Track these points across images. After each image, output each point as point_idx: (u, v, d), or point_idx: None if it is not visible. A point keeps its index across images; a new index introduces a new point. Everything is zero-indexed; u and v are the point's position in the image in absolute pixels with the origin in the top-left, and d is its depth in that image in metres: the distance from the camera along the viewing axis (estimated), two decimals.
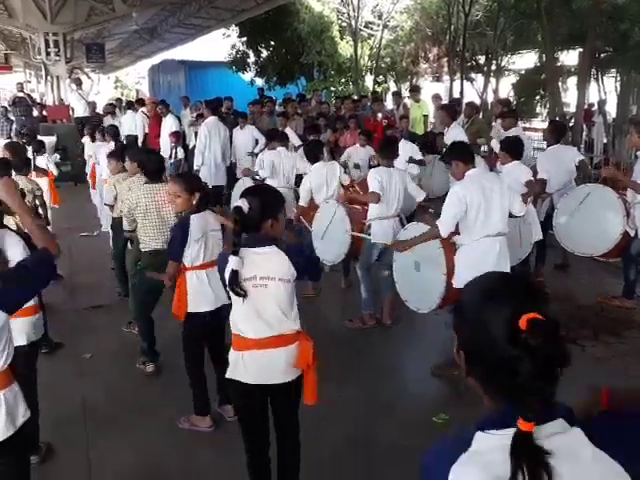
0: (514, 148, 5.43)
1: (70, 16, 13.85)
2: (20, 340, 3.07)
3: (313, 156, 5.95)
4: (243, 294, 2.56)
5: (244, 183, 8.40)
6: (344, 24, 21.78)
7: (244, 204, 2.55)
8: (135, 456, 3.54)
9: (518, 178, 5.15)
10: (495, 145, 6.39)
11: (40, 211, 5.93)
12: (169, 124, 10.95)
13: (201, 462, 3.48)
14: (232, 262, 2.51)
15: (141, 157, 4.96)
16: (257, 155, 8.08)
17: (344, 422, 3.81)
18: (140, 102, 14.03)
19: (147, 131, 12.44)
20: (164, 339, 4.67)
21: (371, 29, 22.54)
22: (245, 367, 2.63)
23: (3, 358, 2.22)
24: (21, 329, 3.13)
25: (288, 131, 8.90)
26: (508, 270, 4.30)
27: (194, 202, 3.67)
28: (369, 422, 3.84)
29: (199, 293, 3.68)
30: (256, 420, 2.73)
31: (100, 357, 4.82)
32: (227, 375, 2.69)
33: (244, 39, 20.79)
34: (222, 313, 3.62)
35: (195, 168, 8.88)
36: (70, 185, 11.60)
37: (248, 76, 21.66)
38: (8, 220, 3.50)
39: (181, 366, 3.88)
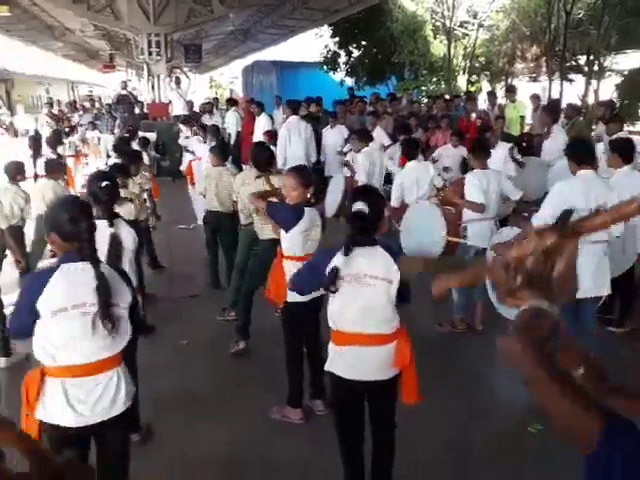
0: (627, 150, 4.91)
1: (171, 17, 14.47)
2: None
3: (409, 154, 5.90)
4: (334, 290, 2.60)
5: (336, 181, 8.50)
6: (438, 23, 21.45)
7: (364, 207, 2.57)
8: (227, 441, 3.65)
9: (633, 189, 4.25)
10: (600, 149, 6.06)
11: (148, 204, 6.27)
12: (262, 123, 11.20)
13: (291, 452, 3.54)
14: (338, 260, 2.54)
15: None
16: (346, 154, 8.14)
17: (438, 426, 3.76)
18: (232, 102, 14.46)
19: (240, 129, 12.82)
20: (262, 330, 4.80)
21: (465, 28, 22.06)
22: (343, 362, 2.66)
23: (126, 337, 2.40)
24: None
25: (378, 130, 8.88)
26: (608, 282, 4.08)
27: (308, 196, 3.75)
28: (464, 428, 3.78)
29: None
30: (350, 413, 2.76)
31: (196, 344, 5.00)
32: (325, 367, 2.73)
33: (336, 39, 20.94)
34: (316, 306, 3.68)
35: (279, 167, 9.04)
36: (168, 180, 12.08)
37: (338, 76, 21.79)
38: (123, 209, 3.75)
39: (275, 357, 3.97)
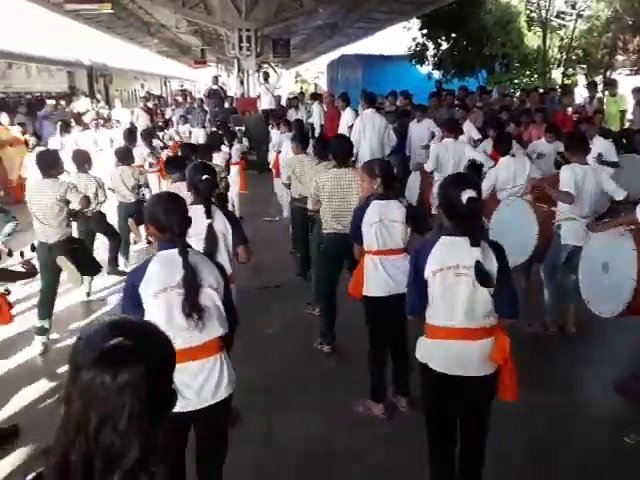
0: None
1: (262, 13, 14.70)
2: None
3: (504, 148, 5.70)
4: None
5: (414, 178, 8.37)
6: (533, 14, 20.62)
7: (474, 194, 2.50)
8: (308, 432, 3.67)
9: None
10: None
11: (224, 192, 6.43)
12: (347, 117, 11.18)
13: (372, 447, 3.52)
14: (475, 252, 2.48)
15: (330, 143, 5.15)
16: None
17: (523, 431, 3.62)
18: (316, 96, 14.53)
19: (323, 123, 12.89)
20: (345, 322, 4.80)
21: (562, 19, 21.08)
22: (439, 356, 2.60)
23: (224, 323, 2.48)
24: None
25: (467, 124, 8.66)
26: None
27: (375, 187, 3.71)
28: (552, 434, 3.62)
29: (372, 278, 3.74)
30: (443, 410, 2.68)
31: (280, 333, 5.07)
32: (420, 359, 2.66)
33: (424, 31, 20.58)
34: (400, 300, 3.62)
35: (352, 159, 9.03)
36: (254, 173, 12.31)
37: (425, 69, 21.43)
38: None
39: (359, 350, 3.95)
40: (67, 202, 4.95)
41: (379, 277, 3.71)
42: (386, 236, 3.70)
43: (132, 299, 2.36)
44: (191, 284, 2.35)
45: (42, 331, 5.03)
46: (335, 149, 4.77)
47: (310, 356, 4.71)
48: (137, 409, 1.08)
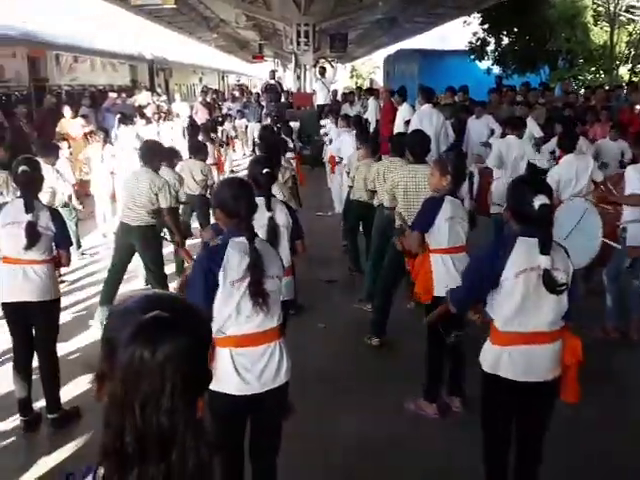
0: None
1: (320, 7, 14.70)
2: None
3: (569, 145, 5.53)
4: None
5: (475, 174, 8.21)
6: (600, 8, 19.87)
7: (546, 200, 2.46)
8: (358, 429, 3.67)
9: None
10: None
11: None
12: (404, 112, 11.08)
13: (423, 446, 3.50)
14: (544, 261, 2.43)
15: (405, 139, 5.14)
16: (490, 145, 7.85)
17: (579, 438, 3.53)
18: (371, 91, 14.43)
19: (379, 118, 12.79)
20: (399, 320, 4.77)
21: (632, 14, 20.22)
22: (510, 363, 2.54)
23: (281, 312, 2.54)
24: None
25: (529, 121, 8.42)
26: None
27: (445, 184, 3.65)
28: (608, 443, 3.51)
29: (442, 277, 3.65)
30: (504, 414, 2.63)
31: (332, 329, 5.09)
32: (487, 369, 2.62)
33: (486, 26, 20.15)
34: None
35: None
36: (308, 168, 12.36)
37: (485, 64, 20.99)
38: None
39: (412, 348, 3.91)
40: (157, 195, 5.14)
41: (452, 277, 3.59)
42: (455, 234, 3.65)
43: (207, 284, 2.39)
44: (258, 270, 2.39)
45: (103, 315, 5.23)
46: (412, 145, 4.73)
47: (360, 353, 4.70)
48: (179, 385, 1.04)
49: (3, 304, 3.77)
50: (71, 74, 14.85)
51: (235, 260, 2.40)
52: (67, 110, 10.48)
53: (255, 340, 2.45)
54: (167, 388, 1.04)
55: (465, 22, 21.44)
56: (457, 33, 25.35)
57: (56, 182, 6.04)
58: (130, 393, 1.05)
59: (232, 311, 2.39)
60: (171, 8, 12.94)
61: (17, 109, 10.77)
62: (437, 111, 9.05)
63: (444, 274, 3.64)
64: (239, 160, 15.79)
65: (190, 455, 1.05)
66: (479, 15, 20.24)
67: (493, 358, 2.59)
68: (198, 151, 7.06)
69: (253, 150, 15.76)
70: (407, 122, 10.43)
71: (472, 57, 20.89)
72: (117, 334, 1.09)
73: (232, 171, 13.42)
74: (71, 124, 10.48)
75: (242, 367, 2.43)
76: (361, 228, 6.49)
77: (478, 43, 20.77)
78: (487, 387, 2.70)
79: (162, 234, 5.59)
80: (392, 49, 29.57)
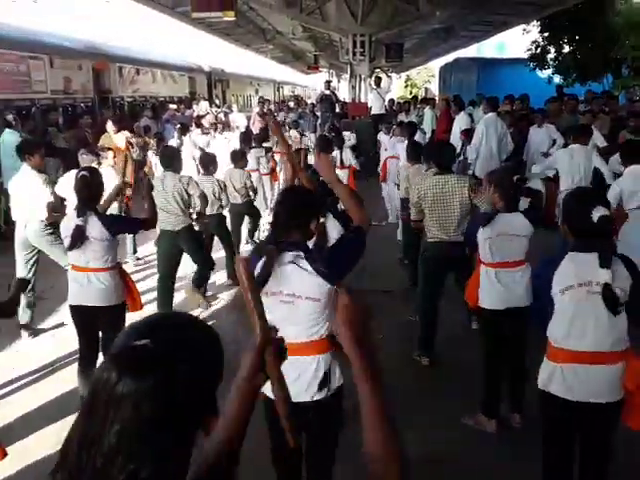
0: None
1: (377, 18, 14.69)
2: None
3: (629, 157, 5.33)
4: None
5: (534, 185, 8.03)
6: None
7: (605, 212, 2.38)
8: (417, 443, 3.60)
9: None
10: None
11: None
12: (461, 121, 10.94)
13: (481, 462, 3.40)
14: (604, 275, 2.35)
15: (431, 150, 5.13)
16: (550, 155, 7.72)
17: None
18: (428, 100, 14.29)
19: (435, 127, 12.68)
20: (454, 333, 4.69)
21: None
22: (563, 380, 2.46)
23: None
24: None
25: (593, 130, 8.19)
26: None
27: (496, 199, 3.59)
28: None
29: (487, 290, 3.64)
30: (562, 436, 2.53)
31: (387, 340, 5.03)
32: (540, 385, 2.54)
33: (546, 34, 19.69)
34: (520, 318, 3.48)
35: (469, 161, 8.87)
36: (362, 178, 12.32)
37: (545, 73, 20.52)
38: None
39: (469, 361, 3.83)
40: (188, 195, 5.28)
41: (494, 290, 3.60)
42: (503, 249, 3.57)
43: None
44: (274, 286, 2.39)
45: None
46: (437, 155, 4.68)
47: (415, 365, 4.64)
48: (134, 429, 0.92)
49: (71, 307, 3.91)
50: (133, 86, 15.36)
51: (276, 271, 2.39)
52: (110, 125, 9.40)
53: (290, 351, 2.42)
54: (114, 428, 0.92)
55: (524, 30, 21.02)
56: (515, 41, 24.89)
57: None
58: (82, 416, 0.97)
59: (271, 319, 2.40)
60: (230, 21, 13.20)
61: (82, 120, 11.22)
62: (500, 120, 9.04)
63: (488, 287, 3.62)
64: None
65: None
66: (538, 23, 19.80)
67: (547, 374, 2.53)
68: (238, 159, 7.21)
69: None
70: (463, 131, 10.32)
71: (532, 66, 20.46)
72: (110, 351, 1.03)
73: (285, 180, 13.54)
74: (115, 139, 9.61)
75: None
76: (399, 236, 6.41)
77: (538, 51, 20.31)
78: (542, 403, 2.63)
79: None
80: (448, 58, 29.32)
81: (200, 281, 5.93)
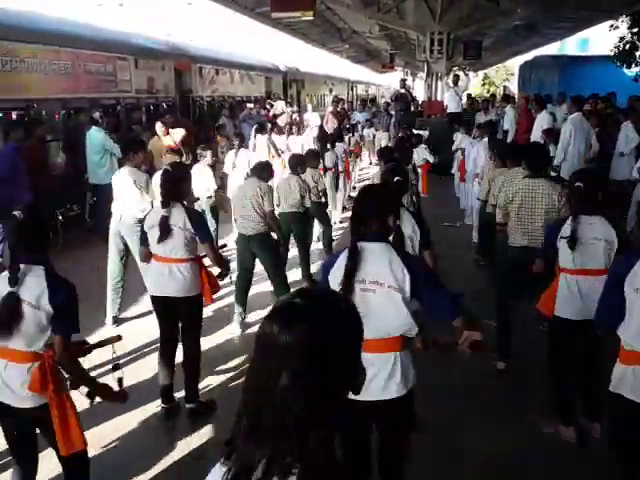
0: None
1: (455, 15, 14.45)
2: None
3: None
4: None
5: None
6: None
7: None
8: (498, 449, 3.53)
9: None
10: None
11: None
12: (542, 121, 10.59)
13: (565, 471, 3.28)
14: None
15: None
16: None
17: None
18: (508, 98, 13.91)
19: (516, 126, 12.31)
20: (531, 338, 4.54)
21: None
22: (634, 382, 2.38)
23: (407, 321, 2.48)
24: None
25: None
26: None
27: (580, 202, 3.45)
28: None
29: (565, 298, 3.50)
30: (631, 439, 2.42)
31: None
32: (610, 388, 2.45)
33: (635, 30, 18.72)
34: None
35: (555, 164, 8.53)
36: (436, 178, 12.16)
37: (632, 71, 19.50)
38: None
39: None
40: (262, 199, 5.36)
41: (572, 298, 3.46)
42: (585, 254, 3.41)
43: (324, 281, 2.52)
44: (349, 274, 2.42)
45: (239, 315, 5.52)
46: (530, 158, 4.50)
47: (493, 372, 4.52)
48: (300, 368, 1.05)
49: (152, 297, 4.06)
50: (212, 86, 15.76)
51: (342, 264, 2.45)
52: (159, 126, 9.11)
53: (368, 347, 2.42)
54: (289, 368, 1.05)
55: (612, 26, 20.07)
56: (600, 38, 23.82)
57: (203, 186, 6.44)
58: (255, 369, 1.11)
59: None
60: (307, 20, 13.34)
61: (164, 118, 11.62)
62: (586, 120, 8.75)
63: (566, 295, 3.47)
64: (366, 169, 15.91)
65: (309, 456, 1.05)
66: (627, 18, 18.84)
67: (618, 377, 2.45)
68: (311, 158, 7.24)
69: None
70: (545, 131, 9.97)
71: (618, 63, 19.49)
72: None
73: (359, 180, 13.55)
74: (165, 141, 9.15)
75: None
76: (475, 238, 6.26)
77: (627, 47, 19.33)
78: (611, 405, 2.55)
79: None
80: (528, 56, 28.42)
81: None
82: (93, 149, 8.55)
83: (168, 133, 9.03)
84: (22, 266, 2.59)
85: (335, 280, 2.43)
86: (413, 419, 3.33)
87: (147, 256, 4.07)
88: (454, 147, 10.50)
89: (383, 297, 2.42)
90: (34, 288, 2.57)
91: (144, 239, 4.02)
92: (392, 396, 2.45)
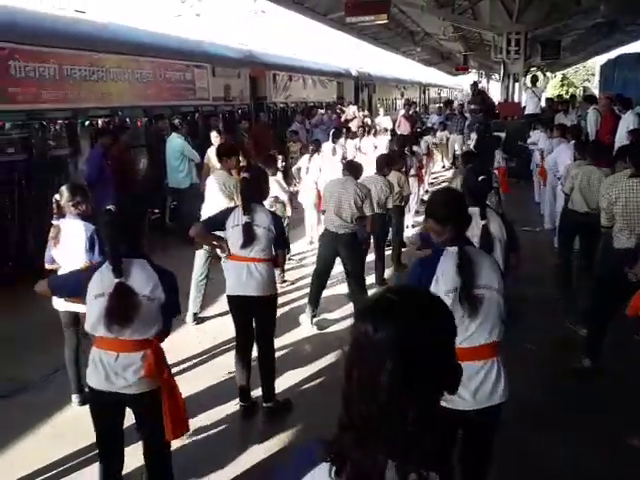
0: None
1: (534, 15, 14.03)
2: None
3: None
4: None
5: None
6: None
7: None
8: (568, 459, 3.39)
9: None
10: None
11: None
12: (628, 122, 10.09)
13: None
14: None
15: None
16: None
17: None
18: (590, 99, 13.32)
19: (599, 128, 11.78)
20: (624, 349, 4.36)
21: None
22: None
23: (498, 325, 2.44)
24: None
25: None
26: None
27: None
28: None
29: None
30: None
31: (541, 349, 4.79)
32: None
33: None
34: None
35: None
36: (514, 181, 11.83)
37: None
38: None
39: (635, 379, 3.54)
40: (362, 203, 5.37)
41: None
42: None
43: None
44: (467, 275, 2.35)
45: (310, 315, 5.56)
46: (636, 156, 4.29)
47: (572, 378, 4.36)
48: (399, 367, 1.03)
49: (228, 297, 4.15)
50: (285, 92, 15.99)
51: (448, 270, 2.38)
52: (214, 136, 8.42)
53: (471, 354, 2.37)
54: (386, 366, 1.04)
55: None
56: None
57: (278, 191, 6.52)
58: (354, 368, 1.09)
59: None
60: (381, 24, 13.32)
61: (240, 124, 11.90)
62: None
63: None
64: (439, 172, 15.69)
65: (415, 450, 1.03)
66: None
67: None
68: (394, 161, 7.18)
69: (453, 162, 15.55)
70: (631, 131, 9.50)
71: None
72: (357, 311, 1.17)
73: (431, 183, 13.38)
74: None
75: None
76: (577, 245, 6.00)
77: None
78: None
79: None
80: (611, 55, 27.21)
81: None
82: (173, 154, 8.85)
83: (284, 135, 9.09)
84: (124, 259, 2.68)
85: (442, 287, 2.36)
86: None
87: (199, 235, 4.17)
88: (529, 141, 10.21)
89: (492, 301, 2.40)
90: (144, 280, 2.66)
91: (211, 223, 4.14)
92: (499, 401, 2.44)
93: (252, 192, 4.06)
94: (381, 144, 11.36)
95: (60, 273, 3.77)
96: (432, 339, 1.09)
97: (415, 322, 1.08)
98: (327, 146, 10.05)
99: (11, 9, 7.49)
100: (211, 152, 8.09)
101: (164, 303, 2.69)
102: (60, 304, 3.98)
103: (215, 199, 5.57)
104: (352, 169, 5.66)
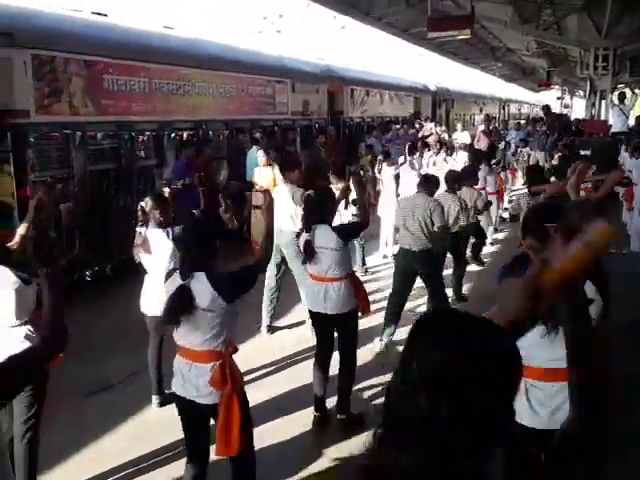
0: None
1: (623, 30, 13.47)
2: None
3: None
4: None
5: None
6: None
7: None
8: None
9: None
10: None
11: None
12: None
13: None
14: None
15: None
16: None
17: None
18: None
19: None
20: None
21: None
22: None
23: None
24: None
25: None
26: None
27: None
28: None
29: None
30: None
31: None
32: None
33: None
34: None
35: None
36: None
37: None
38: None
39: None
40: (431, 217, 5.34)
41: None
42: None
43: None
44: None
45: (388, 335, 5.47)
46: None
47: None
48: (433, 395, 0.99)
49: (309, 310, 4.25)
50: (362, 107, 16.07)
51: None
52: (260, 155, 8.14)
53: (548, 375, 2.35)
54: (423, 393, 1.00)
55: None
56: None
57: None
58: (396, 389, 1.08)
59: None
60: (462, 39, 13.17)
61: (317, 139, 12.07)
62: None
63: None
64: (519, 190, 15.27)
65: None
66: None
67: None
68: (468, 177, 7.05)
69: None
70: None
71: None
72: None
73: (510, 200, 13.05)
74: (263, 173, 8.00)
75: (536, 400, 2.40)
76: None
77: None
78: None
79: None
80: None
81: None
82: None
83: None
84: (190, 273, 2.85)
85: None
86: None
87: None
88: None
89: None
90: (202, 293, 2.81)
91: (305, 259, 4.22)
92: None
93: (315, 210, 4.15)
94: (458, 160, 11.22)
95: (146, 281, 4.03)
96: (477, 371, 1.01)
97: (461, 350, 1.01)
98: (402, 160, 10.03)
99: (107, 25, 7.95)
100: (257, 173, 8.06)
101: (228, 309, 2.84)
102: (147, 308, 4.17)
103: (285, 208, 5.68)
104: (427, 184, 5.61)
